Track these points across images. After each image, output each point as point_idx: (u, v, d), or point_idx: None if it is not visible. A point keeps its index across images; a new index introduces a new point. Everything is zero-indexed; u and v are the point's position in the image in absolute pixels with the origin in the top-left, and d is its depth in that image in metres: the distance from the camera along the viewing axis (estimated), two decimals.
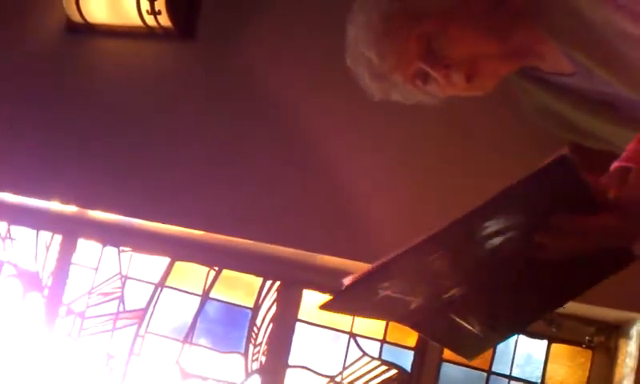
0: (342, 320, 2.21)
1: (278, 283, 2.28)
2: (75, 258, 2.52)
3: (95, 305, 2.50)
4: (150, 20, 2.23)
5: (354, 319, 2.19)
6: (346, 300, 0.91)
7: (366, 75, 1.24)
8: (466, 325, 1.04)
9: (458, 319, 1.02)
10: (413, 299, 0.98)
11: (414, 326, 1.07)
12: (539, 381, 1.99)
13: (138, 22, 2.25)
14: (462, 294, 0.98)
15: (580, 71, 1.20)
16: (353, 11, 1.24)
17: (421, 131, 1.95)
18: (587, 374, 1.93)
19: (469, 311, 1.02)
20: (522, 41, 1.19)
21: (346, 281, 0.87)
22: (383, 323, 2.16)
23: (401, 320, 1.05)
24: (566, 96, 1.28)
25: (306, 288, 2.24)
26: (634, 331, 1.78)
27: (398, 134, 1.98)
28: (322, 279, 2.17)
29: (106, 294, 2.49)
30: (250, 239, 2.14)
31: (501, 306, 1.02)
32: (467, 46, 1.15)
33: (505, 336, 1.17)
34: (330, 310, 0.97)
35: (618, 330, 1.89)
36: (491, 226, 0.86)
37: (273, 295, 2.28)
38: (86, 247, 2.53)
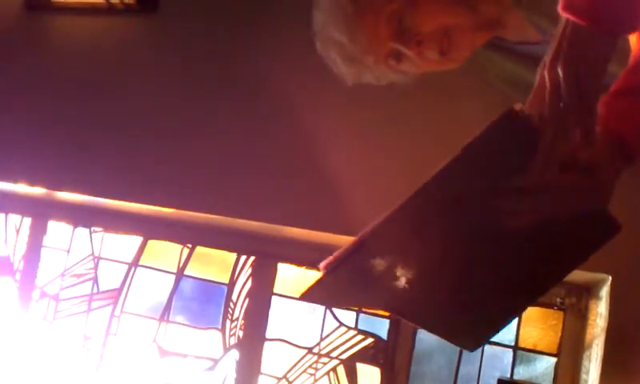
0: None
1: (252, 258, 2.28)
2: (46, 240, 2.50)
3: (69, 287, 2.48)
4: None
5: None
6: (324, 287, 0.87)
7: (338, 60, 1.21)
8: (453, 310, 1.01)
9: (441, 305, 0.99)
10: (394, 283, 0.94)
11: (401, 315, 1.03)
12: (513, 343, 2.02)
13: None
14: (440, 279, 0.95)
15: (546, 39, 1.20)
16: None
17: (393, 105, 1.94)
18: (559, 335, 1.96)
19: (452, 297, 0.98)
20: (491, 10, 1.18)
21: (322, 265, 0.84)
22: None
23: (386, 307, 1.01)
24: (532, 64, 1.28)
25: (280, 262, 2.24)
26: (603, 292, 1.80)
27: (372, 108, 1.96)
28: (297, 252, 2.17)
29: (79, 276, 2.47)
30: (222, 215, 2.13)
31: (486, 292, 0.98)
32: (438, 19, 1.14)
33: (500, 322, 1.06)
34: (310, 301, 0.93)
35: (589, 292, 1.93)
36: (454, 192, 0.83)
37: (248, 270, 2.28)
38: (57, 229, 2.50)
